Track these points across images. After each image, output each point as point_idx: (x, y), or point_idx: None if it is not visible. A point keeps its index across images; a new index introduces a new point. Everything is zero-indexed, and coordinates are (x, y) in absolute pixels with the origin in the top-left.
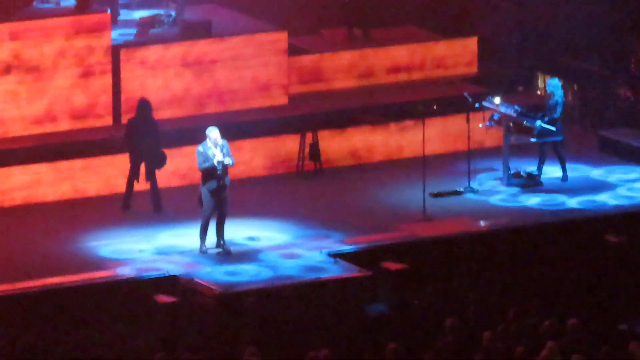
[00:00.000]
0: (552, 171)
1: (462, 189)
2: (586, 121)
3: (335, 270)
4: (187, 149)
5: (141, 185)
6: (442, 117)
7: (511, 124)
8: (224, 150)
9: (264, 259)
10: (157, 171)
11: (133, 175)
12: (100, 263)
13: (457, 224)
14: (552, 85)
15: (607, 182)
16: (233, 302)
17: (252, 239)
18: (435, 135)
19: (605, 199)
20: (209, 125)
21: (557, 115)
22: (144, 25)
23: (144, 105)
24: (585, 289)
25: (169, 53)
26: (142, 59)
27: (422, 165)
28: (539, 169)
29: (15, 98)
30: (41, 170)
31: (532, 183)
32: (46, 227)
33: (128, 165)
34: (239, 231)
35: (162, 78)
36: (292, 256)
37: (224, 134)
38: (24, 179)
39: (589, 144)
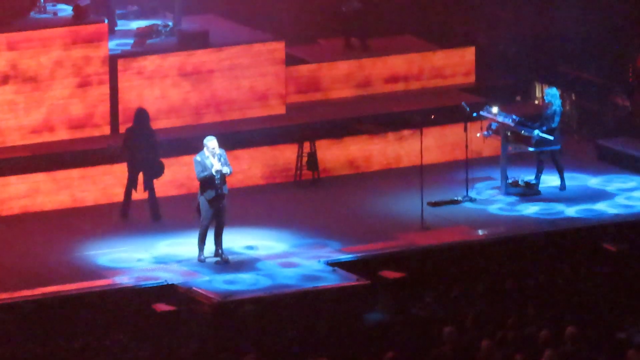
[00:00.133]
0: (550, 180)
1: (460, 198)
2: (584, 130)
3: (334, 279)
4: (185, 159)
5: (139, 194)
6: (440, 127)
7: (509, 133)
8: (222, 159)
9: (262, 268)
10: (155, 180)
11: (131, 184)
12: (98, 272)
13: (455, 233)
14: (550, 95)
15: (605, 191)
16: (231, 310)
17: (250, 248)
18: (433, 144)
19: (603, 207)
20: (206, 135)
21: (555, 124)
22: (142, 35)
23: (141, 115)
24: (583, 297)
25: (166, 63)
26: (140, 69)
27: (420, 175)
28: (537, 178)
29: (13, 108)
30: (39, 179)
31: (530, 192)
32: (44, 237)
33: (126, 175)
34: (237, 240)
35: (159, 88)
36: (290, 265)
37: (222, 144)
38: (22, 189)
39: (587, 153)
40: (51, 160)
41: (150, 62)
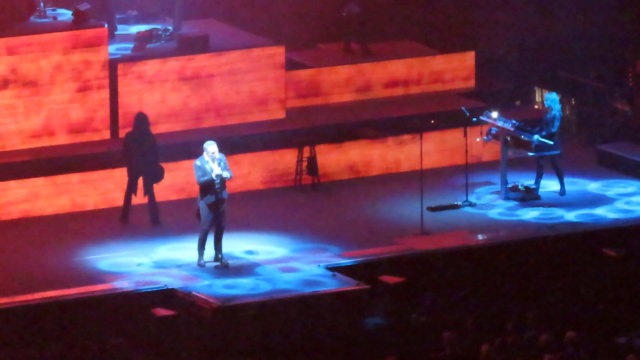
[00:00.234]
0: (549, 185)
1: (459, 203)
2: (584, 135)
3: (333, 284)
4: (185, 163)
5: (139, 199)
6: (439, 131)
7: (509, 138)
8: (222, 164)
9: (261, 273)
10: (154, 185)
11: (131, 189)
12: (98, 276)
13: (455, 238)
14: (550, 100)
15: (604, 196)
16: (231, 315)
17: (250, 252)
18: (433, 149)
19: (603, 212)
20: (206, 139)
21: (554, 129)
22: (142, 39)
23: (141, 120)
24: (583, 302)
25: (166, 67)
26: (140, 73)
27: (420, 179)
28: (537, 182)
29: (13, 112)
30: (39, 184)
31: (529, 197)
32: (44, 241)
33: (126, 179)
34: (236, 245)
35: (159, 92)
36: (290, 270)
37: (222, 148)
38: (22, 193)
39: (586, 157)
40: (51, 164)
41: (150, 67)
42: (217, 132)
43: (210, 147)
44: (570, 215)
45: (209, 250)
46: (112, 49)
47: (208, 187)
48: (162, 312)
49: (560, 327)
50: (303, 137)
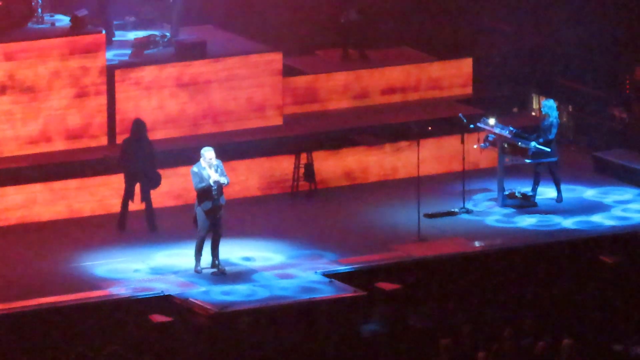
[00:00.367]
0: (546, 192)
1: (456, 210)
2: (581, 142)
3: (330, 291)
4: (182, 169)
5: (136, 205)
6: (436, 138)
7: (506, 145)
8: (219, 170)
9: (258, 279)
10: (152, 191)
11: (128, 195)
12: (95, 283)
13: (451, 245)
14: (547, 107)
15: (601, 203)
16: (228, 321)
17: (247, 259)
18: (430, 156)
19: (600, 219)
20: (203, 146)
21: (552, 136)
22: (139, 46)
23: (138, 126)
24: (580, 309)
25: (163, 74)
26: (137, 79)
27: (417, 186)
28: (534, 189)
29: (10, 118)
30: (36, 190)
31: (526, 204)
32: (41, 247)
33: (123, 186)
34: (234, 251)
35: (157, 98)
36: (287, 276)
37: (219, 155)
38: (19, 199)
39: (583, 165)
40: (48, 170)
41: (147, 73)
42: (214, 139)
43: (208, 153)
44: (567, 222)
45: (206, 257)
46: (110, 55)
47: (205, 193)
48: (159, 318)
49: (557, 334)
50: (300, 143)
